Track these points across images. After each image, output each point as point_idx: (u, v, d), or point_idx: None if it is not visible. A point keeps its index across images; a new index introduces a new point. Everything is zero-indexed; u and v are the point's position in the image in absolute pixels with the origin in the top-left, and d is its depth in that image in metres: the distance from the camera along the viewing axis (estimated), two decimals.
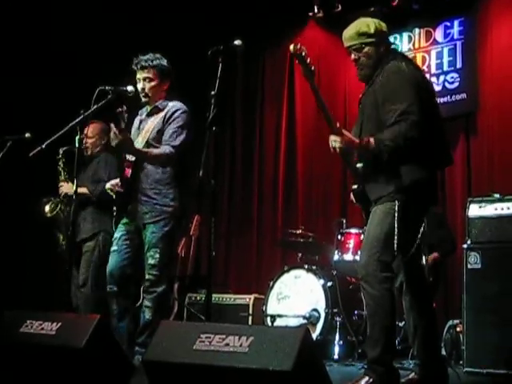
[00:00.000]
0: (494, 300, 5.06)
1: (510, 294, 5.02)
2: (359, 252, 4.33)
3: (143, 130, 5.21)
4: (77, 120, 4.95)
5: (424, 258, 6.08)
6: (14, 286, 8.35)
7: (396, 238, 4.11)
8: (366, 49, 4.33)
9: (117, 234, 5.15)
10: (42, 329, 3.88)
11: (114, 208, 5.19)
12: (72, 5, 8.37)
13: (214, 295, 5.24)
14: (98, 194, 6.33)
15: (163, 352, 3.35)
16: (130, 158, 5.11)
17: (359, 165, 4.30)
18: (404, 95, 4.10)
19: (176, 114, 5.12)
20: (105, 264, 6.46)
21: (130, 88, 5.07)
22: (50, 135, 5.37)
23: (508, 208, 5.21)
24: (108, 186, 5.26)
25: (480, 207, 5.31)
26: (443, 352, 5.81)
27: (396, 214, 4.10)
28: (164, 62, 5.22)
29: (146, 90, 5.17)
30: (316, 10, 8.48)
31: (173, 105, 5.20)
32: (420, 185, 4.19)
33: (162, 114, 5.16)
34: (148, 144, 5.09)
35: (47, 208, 6.55)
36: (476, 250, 5.21)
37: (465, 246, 5.27)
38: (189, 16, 8.57)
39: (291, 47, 4.15)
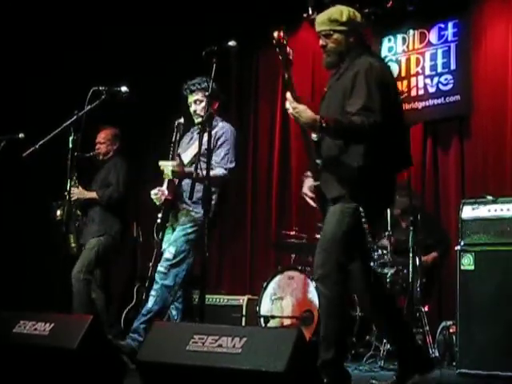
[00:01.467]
0: (487, 301, 5.07)
1: (503, 295, 5.04)
2: (316, 252, 4.19)
3: (192, 145, 5.45)
4: (70, 120, 4.97)
5: (418, 259, 6.10)
6: (12, 285, 8.35)
7: (352, 238, 4.13)
8: (335, 36, 4.24)
9: (165, 246, 5.43)
10: (35, 329, 3.88)
11: (159, 215, 5.43)
12: (67, 3, 8.36)
13: (207, 296, 5.25)
14: (106, 198, 6.47)
15: (156, 352, 3.35)
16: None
17: (314, 136, 4.23)
18: (369, 92, 4.05)
19: (226, 136, 5.40)
20: (101, 265, 6.56)
21: (123, 88, 5.10)
22: (44, 135, 5.38)
23: (501, 210, 5.23)
24: (154, 192, 5.42)
25: (473, 209, 5.32)
26: (436, 353, 5.82)
27: (354, 215, 4.08)
28: (212, 84, 5.36)
29: (198, 111, 5.45)
30: (310, 12, 8.48)
31: (222, 126, 5.46)
32: (377, 186, 4.17)
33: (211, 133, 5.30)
34: (197, 157, 5.23)
35: (59, 212, 6.65)
36: (469, 252, 5.23)
37: (458, 247, 5.29)
38: (183, 15, 8.58)
39: (274, 34, 4.10)
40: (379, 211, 4.36)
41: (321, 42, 4.33)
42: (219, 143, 5.38)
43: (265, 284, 6.92)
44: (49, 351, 3.74)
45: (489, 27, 7.56)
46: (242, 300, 7.20)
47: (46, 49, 8.76)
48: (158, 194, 5.39)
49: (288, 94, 4.06)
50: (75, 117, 4.93)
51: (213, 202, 5.23)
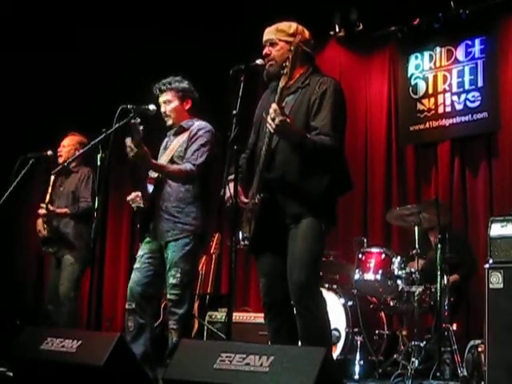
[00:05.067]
0: None
1: None
2: (297, 269, 3.98)
3: (168, 148, 5.23)
4: (99, 138, 4.96)
5: (446, 277, 6.07)
6: None
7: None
8: (281, 45, 4.18)
9: (140, 252, 5.16)
10: (63, 346, 3.90)
11: (138, 225, 5.24)
12: (92, 22, 8.45)
13: (234, 314, 5.21)
14: (80, 214, 6.41)
15: (184, 371, 3.35)
16: (153, 174, 5.14)
17: (264, 149, 4.06)
18: (338, 113, 4.09)
19: (200, 133, 5.13)
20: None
21: (151, 107, 5.09)
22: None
23: None
24: (130, 197, 5.17)
25: (502, 227, 5.26)
26: (464, 373, 5.76)
27: (323, 233, 4.06)
28: (183, 83, 5.27)
29: (167, 112, 5.23)
30: (337, 30, 8.51)
31: (198, 124, 5.21)
32: (334, 206, 4.18)
33: (187, 134, 5.18)
34: (172, 161, 5.11)
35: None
36: (498, 270, 5.16)
37: (487, 265, 5.22)
38: (209, 34, 8.60)
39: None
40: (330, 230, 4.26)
41: (265, 50, 4.25)
42: (192, 140, 5.11)
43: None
44: (76, 368, 3.76)
45: None
46: None
47: (76, 68, 8.87)
48: (133, 197, 5.12)
49: (274, 106, 3.88)
50: (103, 135, 4.93)
51: (193, 213, 5.03)
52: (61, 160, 6.57)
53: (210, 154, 5.11)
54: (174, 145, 5.22)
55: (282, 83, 3.95)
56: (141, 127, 4.74)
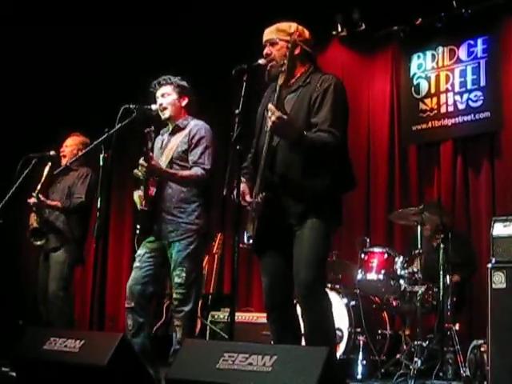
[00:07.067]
0: None
1: None
2: (303, 269, 3.95)
3: (166, 148, 5.22)
4: (101, 138, 4.96)
5: (448, 277, 6.06)
6: None
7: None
8: (281, 44, 4.16)
9: (140, 251, 5.15)
10: (66, 346, 3.89)
11: (138, 226, 5.23)
12: (92, 21, 8.45)
13: (236, 314, 5.20)
14: (72, 209, 6.38)
15: (186, 370, 3.34)
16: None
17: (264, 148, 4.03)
18: (340, 110, 4.05)
19: (201, 133, 5.14)
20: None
21: (154, 107, 5.09)
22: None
23: None
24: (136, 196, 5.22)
25: (504, 226, 5.26)
26: (467, 372, 5.76)
27: (328, 232, 4.04)
28: (182, 81, 5.29)
29: (164, 105, 5.22)
30: (339, 29, 8.51)
31: (195, 124, 5.22)
32: (340, 203, 4.16)
33: (184, 132, 5.18)
34: (171, 162, 5.12)
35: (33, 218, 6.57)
36: (501, 270, 5.16)
37: (489, 265, 5.22)
38: (211, 34, 8.60)
39: None
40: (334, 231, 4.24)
41: (266, 50, 4.22)
42: (194, 142, 5.11)
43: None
44: (79, 368, 3.75)
45: None
46: None
47: (74, 68, 8.89)
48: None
49: (270, 105, 3.87)
50: (106, 135, 4.92)
51: (196, 213, 5.07)
52: (65, 160, 6.55)
53: (215, 155, 5.13)
54: (172, 145, 5.21)
55: (280, 81, 3.93)
56: (153, 135, 4.81)
